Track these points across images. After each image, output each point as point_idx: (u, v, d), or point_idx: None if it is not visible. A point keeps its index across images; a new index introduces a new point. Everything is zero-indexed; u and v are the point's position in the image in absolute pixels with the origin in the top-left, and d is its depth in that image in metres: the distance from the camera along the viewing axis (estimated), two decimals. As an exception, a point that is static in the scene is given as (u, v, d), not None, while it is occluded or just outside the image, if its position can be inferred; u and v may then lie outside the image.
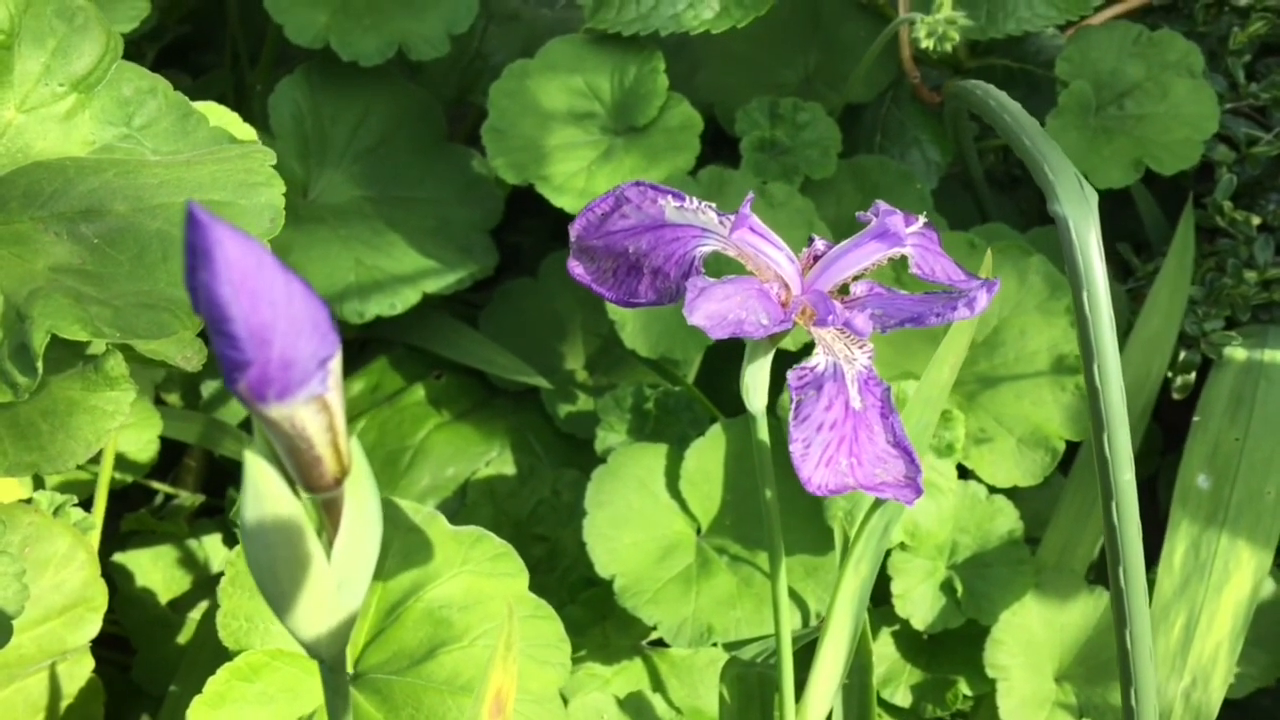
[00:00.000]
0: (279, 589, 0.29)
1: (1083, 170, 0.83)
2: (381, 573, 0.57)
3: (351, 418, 0.88)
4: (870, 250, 0.44)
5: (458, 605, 0.56)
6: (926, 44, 0.74)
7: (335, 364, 0.26)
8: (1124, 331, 0.88)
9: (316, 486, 0.29)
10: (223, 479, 0.95)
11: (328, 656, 0.31)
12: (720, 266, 0.45)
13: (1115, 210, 1.01)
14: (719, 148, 0.96)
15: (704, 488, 0.76)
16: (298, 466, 0.28)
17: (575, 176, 0.79)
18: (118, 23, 0.79)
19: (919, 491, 0.41)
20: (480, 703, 0.38)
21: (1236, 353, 0.84)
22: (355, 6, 0.87)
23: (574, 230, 0.46)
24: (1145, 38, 0.83)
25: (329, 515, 0.30)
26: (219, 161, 0.46)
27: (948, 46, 0.74)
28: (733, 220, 0.43)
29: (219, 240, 0.23)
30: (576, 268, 0.45)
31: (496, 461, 0.85)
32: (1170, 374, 0.87)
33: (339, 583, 0.29)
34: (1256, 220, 0.89)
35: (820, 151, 0.85)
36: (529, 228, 1.00)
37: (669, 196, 0.44)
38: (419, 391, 0.88)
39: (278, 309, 0.23)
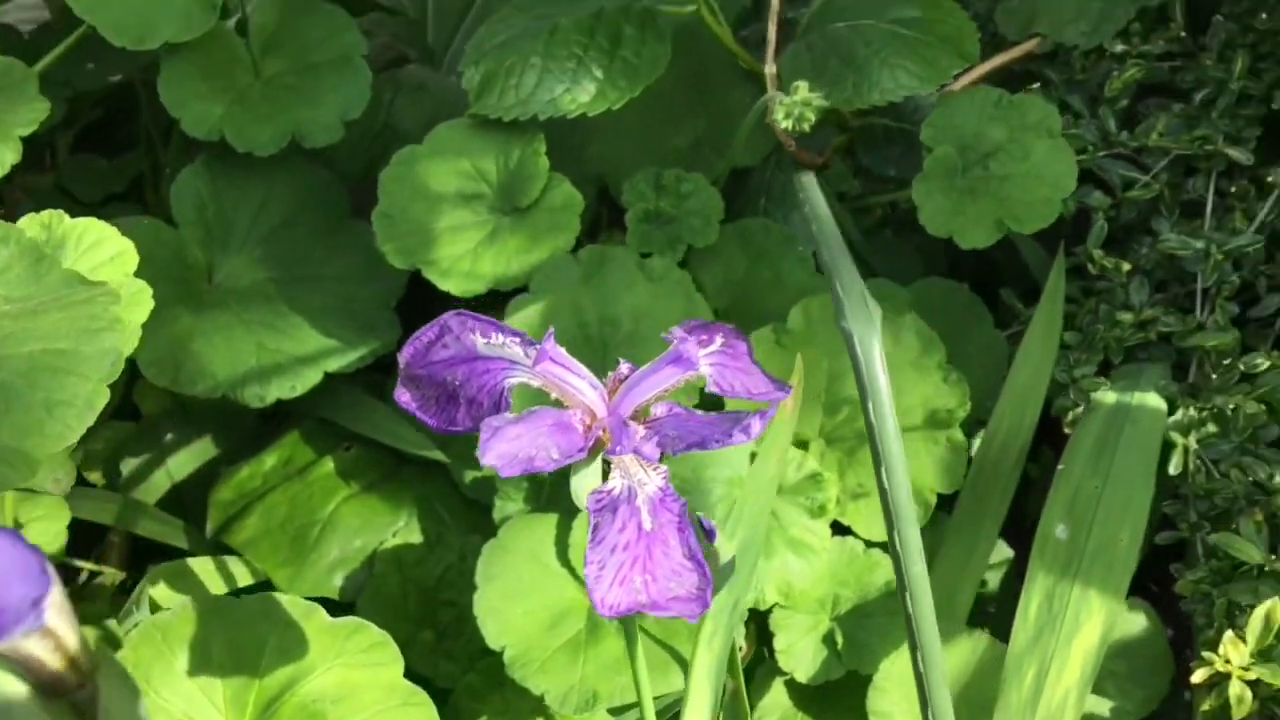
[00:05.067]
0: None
1: (950, 231, 0.88)
2: (258, 670, 0.61)
3: (264, 492, 0.91)
4: (667, 375, 0.47)
5: (330, 698, 0.59)
6: (785, 124, 0.78)
7: (53, 596, 0.29)
8: (1002, 381, 0.92)
9: (62, 692, 0.32)
10: (148, 553, 0.98)
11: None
12: (532, 396, 0.49)
13: (1004, 255, 1.04)
14: (617, 216, 0.99)
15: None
16: (37, 680, 0.31)
17: (461, 259, 0.83)
18: (18, 126, 0.83)
19: (706, 605, 0.44)
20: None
21: (1106, 397, 0.88)
22: (251, 97, 0.90)
23: (402, 359, 0.49)
24: (1005, 101, 0.87)
25: (87, 713, 0.33)
26: (64, 308, 0.49)
27: (805, 127, 0.78)
28: (537, 353, 0.46)
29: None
30: (403, 395, 0.49)
31: (404, 531, 0.89)
32: (1067, 423, 0.89)
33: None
34: (1127, 266, 0.93)
35: (703, 221, 0.89)
36: (440, 296, 1.03)
37: (477, 333, 0.47)
38: (329, 464, 0.92)
39: (-11, 564, 0.26)
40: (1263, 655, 0.77)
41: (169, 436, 0.98)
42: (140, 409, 0.98)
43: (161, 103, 1.02)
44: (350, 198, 0.98)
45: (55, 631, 0.31)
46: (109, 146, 1.10)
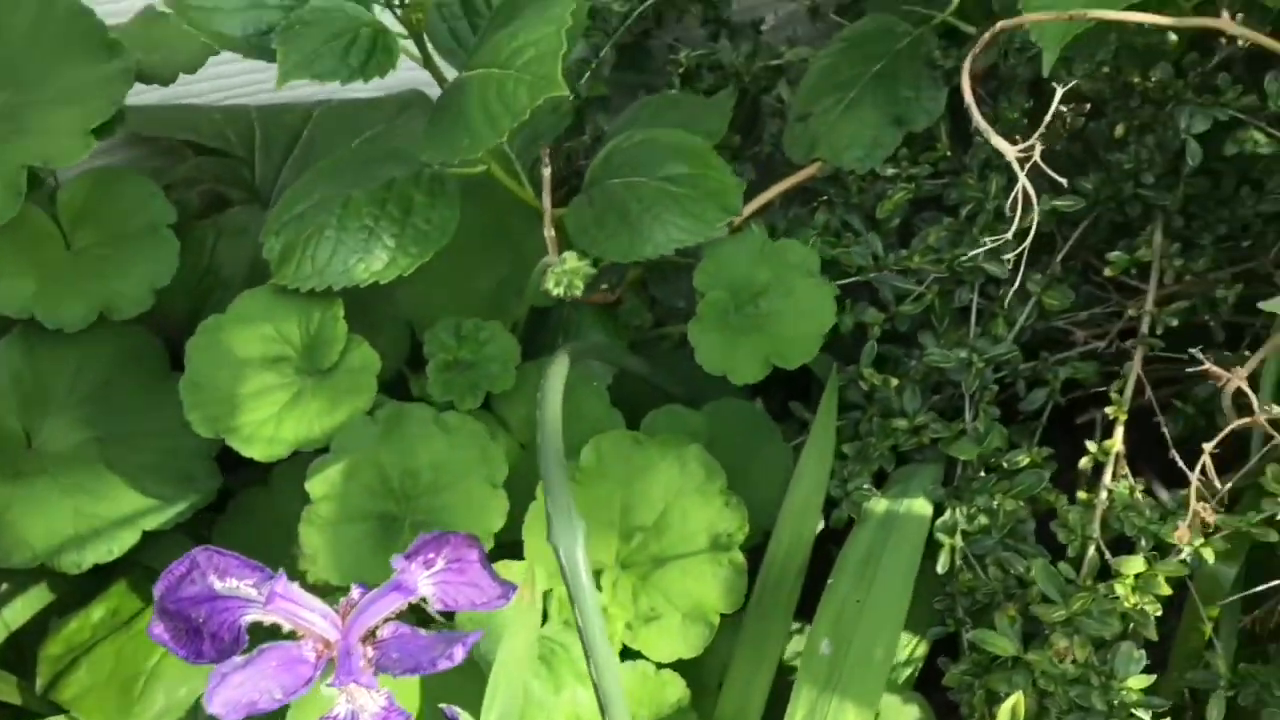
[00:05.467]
0: None
1: (723, 369, 0.95)
2: None
3: (92, 645, 0.94)
4: (392, 600, 0.53)
5: None
6: (556, 292, 0.85)
7: None
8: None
9: None
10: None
11: None
12: (267, 630, 0.55)
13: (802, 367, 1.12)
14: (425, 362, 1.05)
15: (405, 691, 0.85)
16: None
17: (264, 425, 0.88)
18: None
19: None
20: None
21: (877, 506, 0.96)
22: (62, 271, 0.94)
23: (156, 592, 0.55)
24: (769, 247, 0.95)
25: None
26: None
27: (576, 293, 0.85)
28: (269, 593, 0.52)
29: None
30: (156, 628, 0.54)
31: (229, 675, 0.93)
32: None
33: None
34: (895, 381, 1.02)
35: (501, 366, 0.95)
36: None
37: (215, 573, 0.53)
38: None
39: None
40: (1011, 745, 0.85)
41: (3, 586, 1.01)
42: (-27, 562, 1.01)
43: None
44: (172, 347, 1.03)
45: None
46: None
